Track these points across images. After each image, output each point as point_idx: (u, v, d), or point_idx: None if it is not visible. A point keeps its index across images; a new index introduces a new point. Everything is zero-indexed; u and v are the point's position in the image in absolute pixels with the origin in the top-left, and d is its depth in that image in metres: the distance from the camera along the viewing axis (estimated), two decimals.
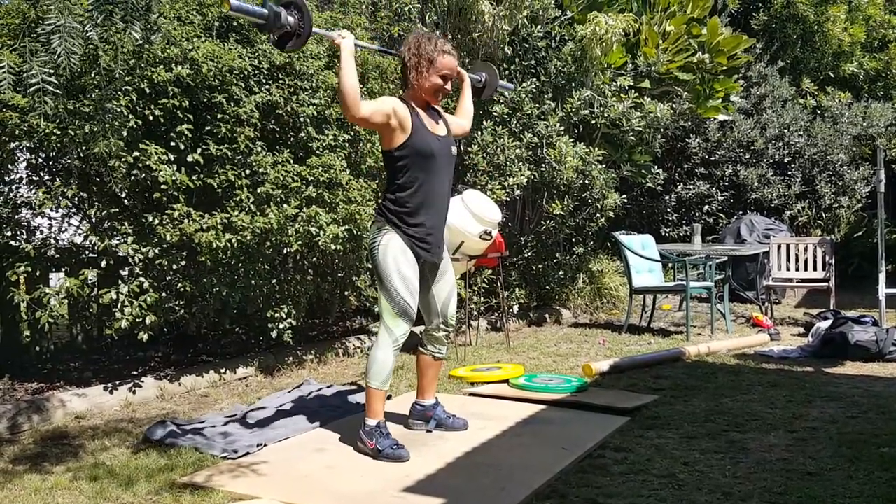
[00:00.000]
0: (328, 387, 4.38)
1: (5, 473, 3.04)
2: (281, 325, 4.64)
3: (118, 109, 3.88)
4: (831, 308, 6.91)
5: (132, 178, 4.09)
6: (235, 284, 4.52)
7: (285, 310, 4.67)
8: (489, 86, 3.95)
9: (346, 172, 4.78)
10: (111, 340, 4.69)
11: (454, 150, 3.46)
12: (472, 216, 4.72)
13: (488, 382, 4.52)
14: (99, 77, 3.85)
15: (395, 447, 3.18)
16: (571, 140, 6.78)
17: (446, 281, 3.48)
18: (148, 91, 4.08)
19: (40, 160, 4.49)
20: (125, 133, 3.93)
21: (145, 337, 4.18)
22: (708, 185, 9.64)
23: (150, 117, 4.08)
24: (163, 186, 4.10)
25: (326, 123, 4.89)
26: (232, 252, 4.32)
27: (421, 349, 3.58)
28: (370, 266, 3.37)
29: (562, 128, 6.75)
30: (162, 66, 4.10)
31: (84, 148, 3.87)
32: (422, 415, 3.60)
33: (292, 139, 4.83)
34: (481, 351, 5.62)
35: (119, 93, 3.92)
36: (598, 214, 7.23)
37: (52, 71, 2.77)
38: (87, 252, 4.56)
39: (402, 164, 3.25)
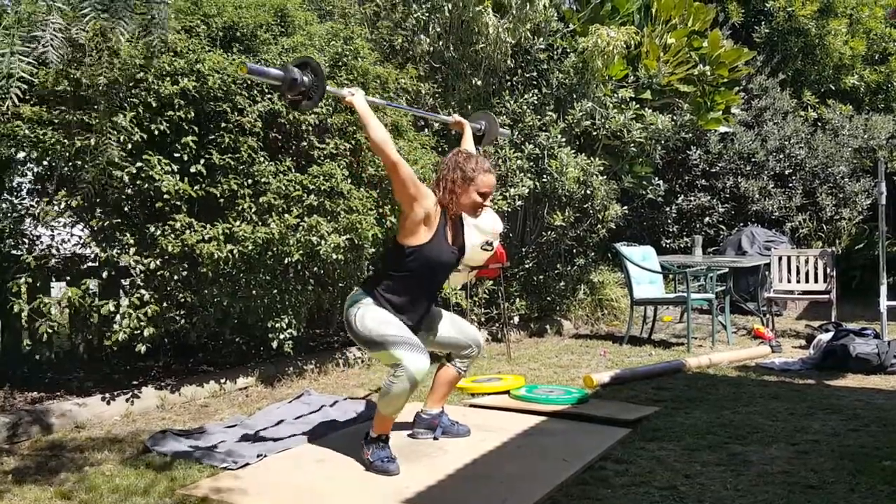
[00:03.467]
0: (329, 397, 4.37)
1: (4, 483, 3.03)
2: (281, 336, 4.64)
3: (123, 124, 3.90)
4: (833, 320, 6.90)
5: (135, 187, 4.10)
6: (236, 294, 4.52)
7: (286, 320, 4.67)
8: (488, 134, 4.03)
9: (348, 181, 4.79)
10: (111, 350, 4.68)
11: (461, 261, 3.45)
12: (474, 227, 4.70)
13: (489, 394, 4.50)
14: (104, 88, 3.87)
15: (384, 460, 3.15)
16: (573, 151, 6.79)
17: (444, 320, 3.50)
18: (154, 104, 4.08)
19: (43, 170, 4.50)
20: (129, 146, 3.95)
21: (143, 349, 4.18)
22: (709, 197, 9.64)
23: (156, 132, 4.09)
24: (165, 196, 4.11)
25: (328, 132, 4.90)
26: (233, 263, 4.32)
27: (448, 362, 3.60)
28: (356, 337, 3.27)
29: (563, 139, 6.76)
30: (168, 79, 4.11)
31: (88, 158, 3.88)
32: (428, 423, 3.61)
33: (294, 148, 4.84)
34: (482, 362, 5.60)
35: (125, 105, 3.94)
36: (598, 225, 7.23)
37: (29, 60, 2.67)
38: (88, 262, 4.56)
39: (408, 265, 3.20)
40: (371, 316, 3.17)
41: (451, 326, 3.51)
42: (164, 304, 4.30)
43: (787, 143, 9.72)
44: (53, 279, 4.57)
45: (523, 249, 7.18)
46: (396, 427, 3.57)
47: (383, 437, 3.22)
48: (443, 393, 3.62)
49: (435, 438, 3.56)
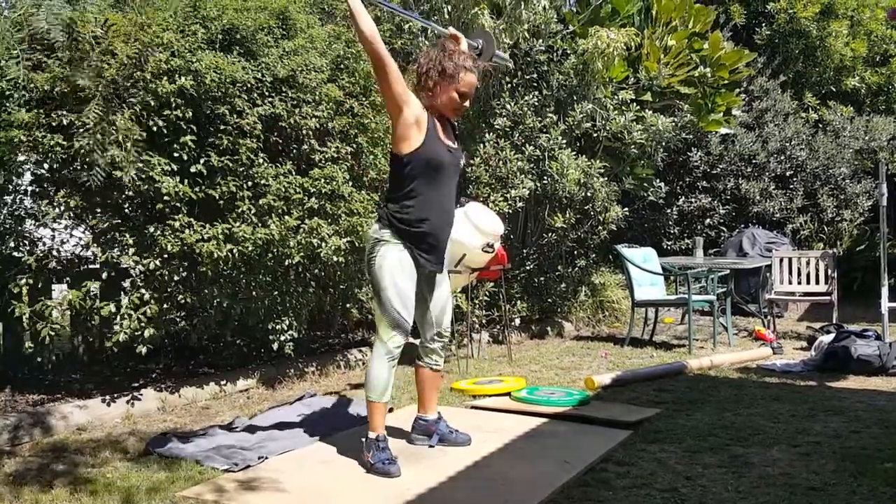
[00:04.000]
0: (330, 399, 4.37)
1: (6, 486, 3.03)
2: (282, 337, 4.64)
3: (122, 122, 3.90)
4: (834, 322, 6.90)
5: (135, 188, 4.10)
6: (237, 296, 4.52)
7: (287, 322, 4.67)
8: (485, 54, 3.82)
9: (349, 185, 4.79)
10: (112, 352, 4.68)
11: (462, 161, 3.44)
12: (475, 228, 4.71)
13: (490, 395, 4.50)
14: (104, 89, 3.87)
15: (385, 462, 3.15)
16: (573, 153, 6.79)
17: (441, 292, 3.46)
18: (152, 103, 4.09)
19: (44, 172, 4.50)
20: (129, 145, 3.95)
21: (144, 350, 4.18)
22: (710, 199, 9.64)
23: (154, 128, 4.09)
24: (165, 197, 4.11)
25: (329, 136, 4.90)
26: (233, 263, 4.32)
27: (419, 361, 3.57)
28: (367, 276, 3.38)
29: (564, 141, 6.76)
30: (166, 78, 4.12)
31: (88, 159, 3.88)
32: (425, 429, 3.58)
33: (294, 151, 4.84)
34: (483, 364, 5.60)
35: (124, 105, 3.95)
36: (599, 227, 7.23)
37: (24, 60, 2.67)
38: (88, 263, 4.56)
39: (410, 173, 3.22)
40: (389, 266, 3.20)
41: (441, 304, 3.46)
42: (165, 306, 4.30)
43: (787, 144, 9.71)
44: (53, 281, 4.57)
45: (524, 251, 7.18)
46: (396, 433, 3.58)
47: (381, 437, 3.21)
48: (430, 394, 3.58)
49: (430, 446, 3.51)
